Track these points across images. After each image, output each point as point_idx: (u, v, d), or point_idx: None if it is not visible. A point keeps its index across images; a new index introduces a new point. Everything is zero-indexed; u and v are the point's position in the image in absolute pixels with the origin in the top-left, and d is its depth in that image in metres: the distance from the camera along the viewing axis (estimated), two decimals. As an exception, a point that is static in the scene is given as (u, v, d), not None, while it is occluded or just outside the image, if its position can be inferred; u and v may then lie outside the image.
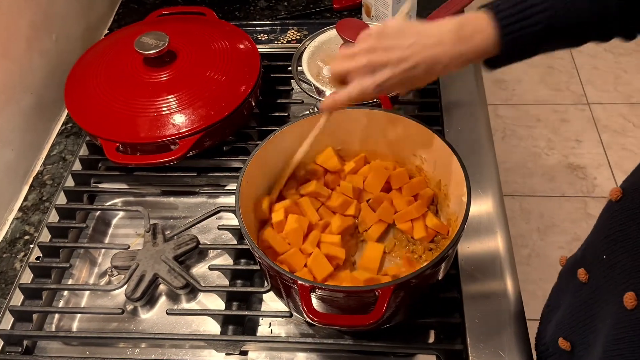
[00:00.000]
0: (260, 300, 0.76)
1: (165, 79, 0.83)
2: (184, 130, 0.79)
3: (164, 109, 0.81)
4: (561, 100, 2.13)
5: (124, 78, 0.84)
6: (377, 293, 0.56)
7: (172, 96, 0.82)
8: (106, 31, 1.13)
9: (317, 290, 0.57)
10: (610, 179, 1.90)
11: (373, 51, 0.56)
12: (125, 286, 0.74)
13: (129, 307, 0.76)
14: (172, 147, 0.80)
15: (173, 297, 0.77)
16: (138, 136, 0.79)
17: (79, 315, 0.76)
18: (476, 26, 0.53)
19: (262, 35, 1.07)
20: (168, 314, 0.71)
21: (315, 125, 0.69)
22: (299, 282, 0.57)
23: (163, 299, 0.77)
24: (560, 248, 1.74)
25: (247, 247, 0.75)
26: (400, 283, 0.56)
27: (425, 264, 0.58)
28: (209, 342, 0.69)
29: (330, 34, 0.89)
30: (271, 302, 0.75)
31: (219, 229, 0.79)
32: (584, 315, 0.54)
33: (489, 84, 2.17)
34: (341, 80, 0.60)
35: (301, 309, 0.56)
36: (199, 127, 0.80)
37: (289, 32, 1.07)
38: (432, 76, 0.56)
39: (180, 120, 0.80)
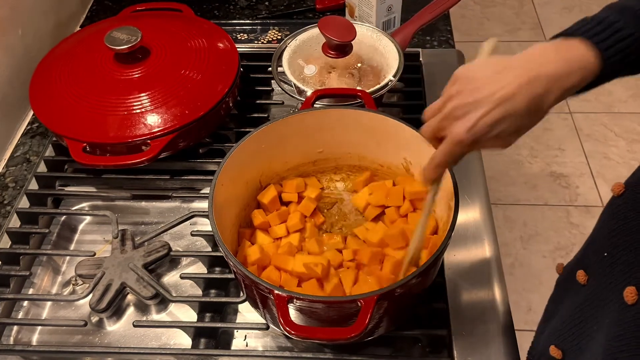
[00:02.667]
0: (236, 311, 0.71)
1: (137, 76, 0.79)
2: (156, 130, 0.75)
3: (135, 107, 0.76)
4: (544, 109, 2.12)
5: (93, 75, 0.80)
6: (359, 304, 0.52)
7: (144, 94, 0.77)
8: (78, 28, 1.08)
9: (294, 300, 0.53)
10: (593, 188, 1.90)
11: (460, 93, 0.48)
12: (90, 296, 0.69)
13: (94, 318, 0.71)
14: (143, 147, 0.75)
15: (142, 308, 0.72)
16: (107, 136, 0.74)
17: (39, 327, 0.71)
18: (575, 47, 0.47)
19: (241, 34, 1.03)
20: (135, 326, 0.66)
21: (425, 205, 0.59)
22: (276, 291, 0.53)
23: (131, 310, 0.72)
24: (544, 257, 1.73)
25: (222, 254, 0.71)
26: (384, 293, 0.52)
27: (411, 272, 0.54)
28: (178, 356, 0.64)
29: (312, 32, 0.86)
30: (247, 313, 0.71)
31: (192, 235, 0.74)
32: (579, 319, 0.51)
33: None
34: (438, 140, 0.53)
35: (278, 320, 0.52)
36: (172, 127, 0.75)
37: (269, 32, 1.03)
38: (537, 112, 0.47)
39: (152, 119, 0.76)
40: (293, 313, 0.57)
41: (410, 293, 0.58)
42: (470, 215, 0.75)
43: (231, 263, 0.57)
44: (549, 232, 1.79)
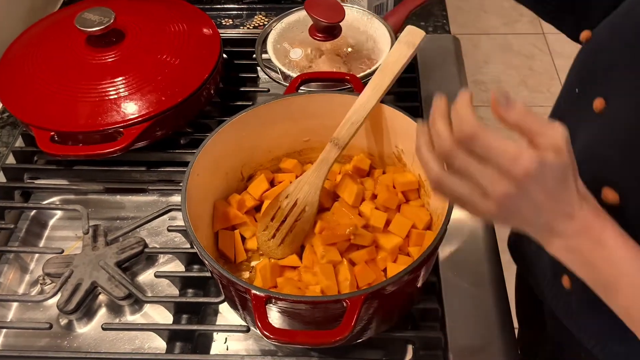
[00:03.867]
0: (216, 312, 0.66)
1: (110, 60, 0.74)
2: (130, 117, 0.69)
3: (107, 93, 0.71)
4: (542, 102, 2.08)
5: (63, 60, 0.74)
6: (345, 304, 0.47)
7: (117, 80, 0.72)
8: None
9: (273, 300, 0.48)
10: (592, 183, 1.85)
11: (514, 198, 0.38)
12: (58, 297, 0.64)
13: (63, 320, 0.66)
14: (116, 136, 0.70)
15: (115, 310, 0.67)
16: (76, 124, 0.69)
17: (4, 330, 0.66)
18: None
19: (226, 20, 0.97)
20: (104, 329, 0.61)
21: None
22: (253, 291, 0.48)
23: (103, 312, 0.67)
24: (542, 254, 1.68)
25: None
26: (373, 292, 0.48)
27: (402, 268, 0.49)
28: (150, 362, 0.59)
29: (299, 15, 0.81)
30: (229, 314, 0.66)
31: (168, 230, 0.69)
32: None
33: (469, 85, 2.11)
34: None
35: (255, 323, 0.47)
36: (147, 114, 0.70)
37: (256, 17, 0.98)
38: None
39: (125, 106, 0.70)
40: (274, 315, 0.52)
41: (402, 292, 0.53)
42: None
43: (207, 262, 0.52)
44: (547, 229, 1.74)
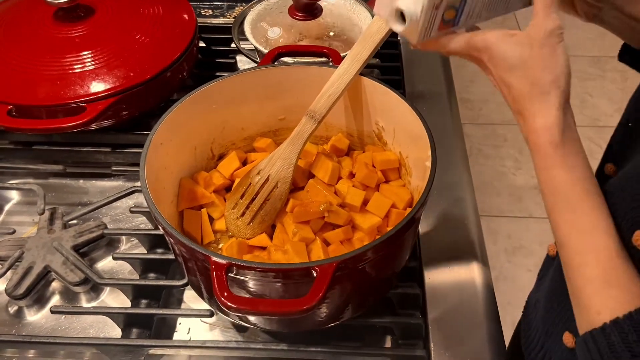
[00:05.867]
0: (180, 302, 0.61)
1: (77, 35, 0.70)
2: (94, 91, 0.65)
3: (71, 67, 0.67)
4: (527, 121, 2.07)
5: (29, 33, 0.71)
6: (314, 272, 0.42)
7: (83, 54, 0.68)
8: None
9: (235, 269, 0.43)
10: (579, 200, 1.83)
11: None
12: (7, 281, 0.59)
13: (12, 308, 0.61)
14: (79, 112, 0.65)
15: (69, 296, 0.62)
16: (36, 97, 0.65)
17: (-53, 317, 0.60)
18: None
19: (206, 10, 0.95)
20: (52, 312, 0.56)
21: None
22: (213, 258, 0.43)
23: (56, 299, 0.62)
24: (529, 271, 1.64)
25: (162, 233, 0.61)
26: (346, 260, 0.43)
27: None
28: (101, 347, 0.54)
29: (279, -3, 0.78)
30: (193, 303, 0.61)
31: (131, 211, 0.64)
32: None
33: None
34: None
35: (214, 293, 0.42)
36: (112, 89, 0.66)
37: (236, 8, 0.95)
38: None
39: (90, 80, 0.66)
40: (237, 291, 0.47)
41: (379, 267, 0.49)
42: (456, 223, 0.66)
43: (164, 229, 0.47)
44: (534, 245, 1.71)
